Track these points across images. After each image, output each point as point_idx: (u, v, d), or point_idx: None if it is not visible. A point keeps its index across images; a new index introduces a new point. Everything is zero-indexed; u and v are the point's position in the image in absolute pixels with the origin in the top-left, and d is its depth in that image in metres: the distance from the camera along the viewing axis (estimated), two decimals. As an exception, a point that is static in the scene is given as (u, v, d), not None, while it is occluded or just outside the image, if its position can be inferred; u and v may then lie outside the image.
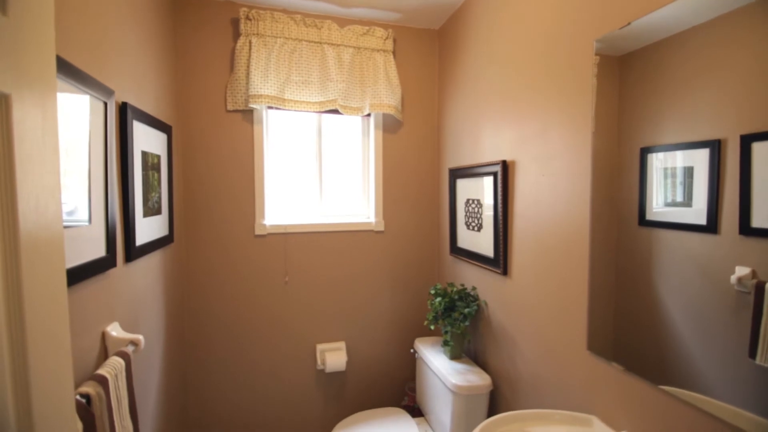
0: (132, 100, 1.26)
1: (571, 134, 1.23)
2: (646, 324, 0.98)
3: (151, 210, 1.41)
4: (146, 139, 1.37)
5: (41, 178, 0.53)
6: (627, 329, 1.04)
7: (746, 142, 0.77)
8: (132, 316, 1.25)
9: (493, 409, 1.69)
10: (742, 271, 0.76)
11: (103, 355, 1.02)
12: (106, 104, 1.06)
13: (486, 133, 1.75)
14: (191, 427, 1.97)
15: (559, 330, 1.31)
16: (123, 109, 1.18)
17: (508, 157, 1.57)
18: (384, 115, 2.15)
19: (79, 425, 0.73)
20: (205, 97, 1.89)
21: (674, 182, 0.90)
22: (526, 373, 1.50)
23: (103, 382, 0.85)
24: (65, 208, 0.89)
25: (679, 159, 0.89)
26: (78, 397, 0.76)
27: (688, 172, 0.87)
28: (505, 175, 1.56)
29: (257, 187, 1.98)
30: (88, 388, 0.80)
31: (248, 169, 1.97)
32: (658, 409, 0.96)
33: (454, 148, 2.07)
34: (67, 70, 0.85)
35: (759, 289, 0.73)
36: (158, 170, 1.49)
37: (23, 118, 0.50)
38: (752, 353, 0.75)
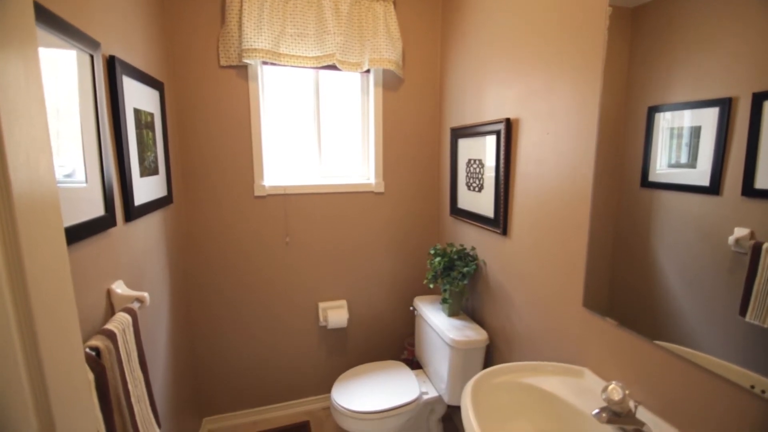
0: (120, 54, 1.20)
1: (578, 90, 1.19)
2: (641, 282, 1.00)
3: (147, 170, 1.39)
4: (138, 96, 1.32)
5: (29, 131, 0.51)
6: (622, 287, 1.06)
7: (758, 100, 0.74)
8: (136, 274, 1.27)
9: (489, 363, 1.77)
10: (740, 232, 0.76)
11: (110, 312, 1.05)
12: (92, 57, 1.01)
13: (490, 90, 1.69)
14: (202, 378, 2.07)
15: (556, 287, 1.34)
16: (111, 63, 1.13)
17: (512, 115, 1.53)
18: (384, 71, 2.06)
19: (91, 375, 0.76)
20: (197, 51, 1.81)
21: (680, 143, 0.88)
22: (521, 329, 1.55)
23: (111, 336, 0.87)
24: (63, 171, 0.88)
25: (687, 118, 0.87)
26: (87, 350, 0.79)
27: (695, 132, 0.85)
28: (508, 133, 1.53)
29: (255, 147, 1.95)
30: (97, 342, 0.83)
31: (245, 128, 1.92)
32: (647, 361, 1.00)
33: (457, 106, 2.01)
34: (46, 18, 0.81)
35: (756, 249, 0.74)
36: (152, 129, 1.45)
37: (4, 67, 0.47)
38: (743, 311, 0.77)
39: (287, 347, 2.18)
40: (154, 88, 1.48)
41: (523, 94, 1.46)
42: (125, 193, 1.19)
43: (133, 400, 0.94)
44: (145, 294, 1.10)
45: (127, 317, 0.98)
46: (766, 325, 0.73)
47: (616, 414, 0.90)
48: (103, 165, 1.04)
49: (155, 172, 1.47)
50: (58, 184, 0.84)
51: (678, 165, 0.89)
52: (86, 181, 0.97)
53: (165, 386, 1.52)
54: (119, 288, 1.07)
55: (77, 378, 0.61)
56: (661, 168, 0.93)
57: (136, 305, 1.05)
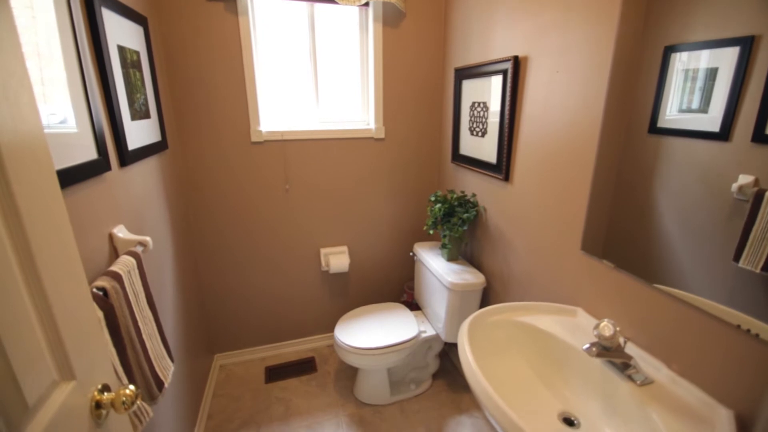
0: (96, -18, 1.10)
1: (593, 25, 1.10)
2: (640, 227, 1.00)
3: (138, 113, 1.33)
4: (120, 32, 1.23)
5: (3, 63, 0.48)
6: (620, 231, 1.07)
7: (783, 37, 0.69)
8: (137, 219, 1.27)
9: (485, 304, 1.83)
10: (745, 179, 0.76)
11: (114, 256, 1.07)
12: (65, -15, 0.92)
13: (498, 25, 1.58)
14: (211, 319, 2.17)
15: (555, 232, 1.35)
16: (87, -8, 1.04)
17: (520, 53, 1.44)
18: (384, 4, 1.91)
19: (100, 313, 0.79)
20: (181, -19, 1.66)
21: (693, 87, 0.84)
22: (519, 272, 1.59)
23: (116, 277, 0.89)
24: (55, 119, 0.85)
25: (704, 59, 0.82)
26: (94, 289, 0.81)
27: (711, 74, 0.81)
28: (515, 72, 1.45)
29: (249, 89, 1.86)
30: (103, 282, 0.84)
31: (237, 69, 1.83)
32: (639, 301, 1.03)
33: (462, 43, 1.89)
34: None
35: (758, 197, 0.74)
36: (139, 68, 1.37)
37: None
38: (737, 257, 0.78)
39: (291, 290, 2.26)
40: (137, 23, 1.38)
41: (533, 29, 1.36)
42: (117, 136, 1.15)
43: (144, 336, 0.98)
44: (147, 238, 1.11)
45: (131, 260, 1.00)
46: (758, 271, 0.75)
47: (605, 348, 0.94)
48: (90, 107, 1.00)
49: (147, 115, 1.42)
50: (49, 130, 0.81)
51: (689, 110, 0.86)
52: (76, 127, 0.93)
53: (175, 326, 1.59)
54: (121, 232, 1.08)
55: (86, 316, 0.63)
56: (671, 113, 0.90)
57: (139, 249, 1.07)
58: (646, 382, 0.93)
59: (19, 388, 0.46)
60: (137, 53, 1.36)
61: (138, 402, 0.64)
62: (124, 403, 0.62)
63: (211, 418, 1.87)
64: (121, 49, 1.23)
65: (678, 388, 0.90)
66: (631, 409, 0.90)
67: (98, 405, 0.61)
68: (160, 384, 1.02)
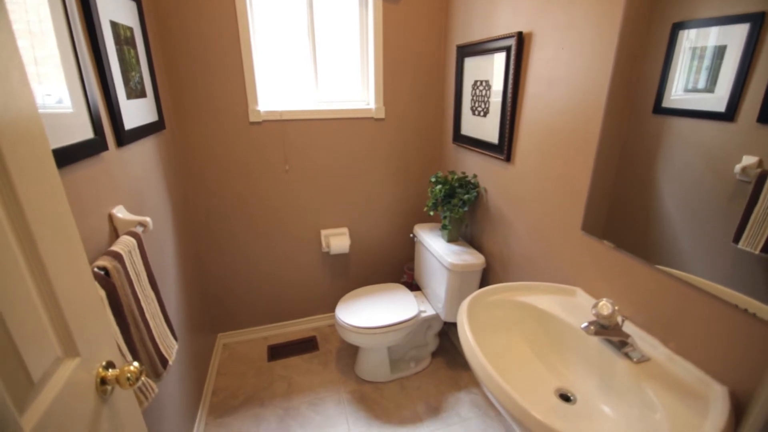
0: (84, -47, 1.06)
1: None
2: (641, 207, 1.00)
3: (134, 91, 1.31)
4: (113, 6, 1.19)
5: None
6: (621, 211, 1.06)
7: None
8: (136, 200, 1.27)
9: (485, 284, 1.85)
10: (748, 160, 0.75)
11: (114, 236, 1.07)
12: (53, -45, 0.89)
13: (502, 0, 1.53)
14: (213, 300, 2.19)
15: (556, 212, 1.35)
16: (76, -36, 1.00)
17: (524, 29, 1.40)
18: (384, -22, 1.85)
19: (102, 292, 0.79)
20: (173, -47, 1.60)
21: (700, 66, 0.82)
22: (519, 253, 1.59)
23: (117, 257, 0.89)
24: (51, 100, 0.84)
25: (712, 37, 0.80)
26: (95, 269, 0.81)
27: (719, 52, 0.79)
28: (519, 49, 1.41)
29: (246, 68, 1.82)
30: (105, 262, 0.85)
31: (234, 47, 1.78)
32: (637, 280, 1.04)
33: (464, 19, 1.84)
34: None
35: (761, 178, 0.73)
36: (133, 45, 1.34)
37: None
38: (737, 238, 0.78)
39: (292, 271, 2.28)
40: (129, -2, 1.34)
41: (538, 4, 1.32)
42: (113, 115, 1.13)
43: (147, 315, 0.99)
44: (147, 218, 1.11)
45: (132, 240, 1.00)
46: (757, 252, 0.75)
47: (603, 327, 0.95)
48: (85, 86, 0.98)
49: (142, 94, 1.39)
50: (44, 110, 0.80)
51: (695, 90, 0.84)
52: (72, 106, 0.92)
53: (177, 306, 1.61)
54: (120, 213, 1.08)
55: (88, 294, 0.64)
56: (677, 93, 0.88)
57: (139, 229, 1.07)
58: (643, 359, 0.94)
59: (23, 365, 0.47)
60: (131, 29, 1.33)
61: (143, 378, 0.65)
62: (128, 379, 0.63)
63: (216, 395, 1.92)
64: (114, 25, 1.19)
65: (674, 365, 0.92)
66: (627, 386, 0.92)
67: (103, 381, 0.62)
68: (164, 361, 1.04)
